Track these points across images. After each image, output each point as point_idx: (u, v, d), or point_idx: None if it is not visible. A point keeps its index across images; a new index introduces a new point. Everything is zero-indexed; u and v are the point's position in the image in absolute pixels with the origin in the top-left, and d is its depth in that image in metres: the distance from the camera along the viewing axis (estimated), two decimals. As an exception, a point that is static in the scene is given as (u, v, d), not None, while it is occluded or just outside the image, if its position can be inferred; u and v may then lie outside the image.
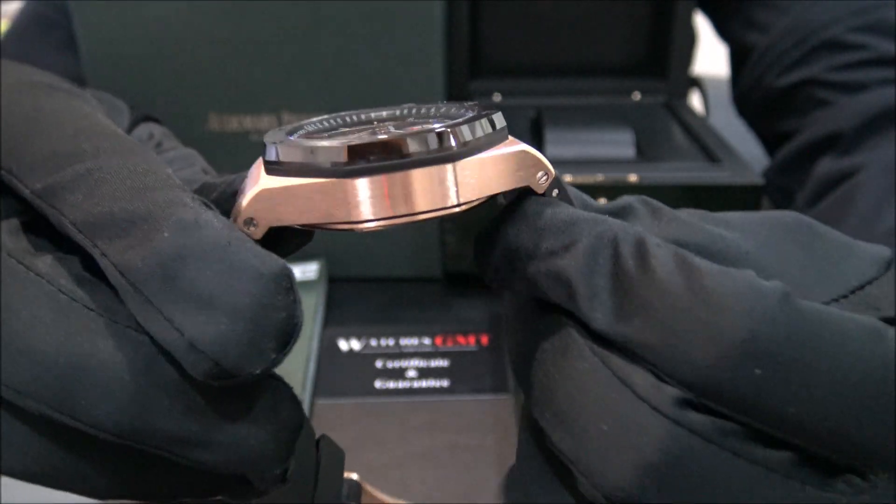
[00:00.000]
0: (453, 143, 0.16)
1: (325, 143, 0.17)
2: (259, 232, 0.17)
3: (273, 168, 0.17)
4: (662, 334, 0.15)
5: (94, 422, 0.16)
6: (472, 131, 0.17)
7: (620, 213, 0.19)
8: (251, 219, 0.17)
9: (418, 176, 0.16)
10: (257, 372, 0.16)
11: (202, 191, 0.21)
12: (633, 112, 0.54)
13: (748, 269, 0.15)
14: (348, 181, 0.16)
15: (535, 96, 0.57)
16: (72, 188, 0.17)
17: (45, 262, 0.17)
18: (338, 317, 0.46)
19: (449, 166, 0.16)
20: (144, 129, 0.26)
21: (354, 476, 0.25)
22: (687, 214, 0.19)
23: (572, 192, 0.19)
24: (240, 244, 0.16)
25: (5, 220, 0.19)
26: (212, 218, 0.16)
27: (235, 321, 0.15)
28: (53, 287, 0.17)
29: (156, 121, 0.27)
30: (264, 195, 0.17)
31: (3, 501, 0.31)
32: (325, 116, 0.21)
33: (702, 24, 0.62)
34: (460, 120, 0.17)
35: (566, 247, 0.17)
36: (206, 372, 0.16)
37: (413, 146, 0.16)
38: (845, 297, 0.17)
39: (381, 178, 0.16)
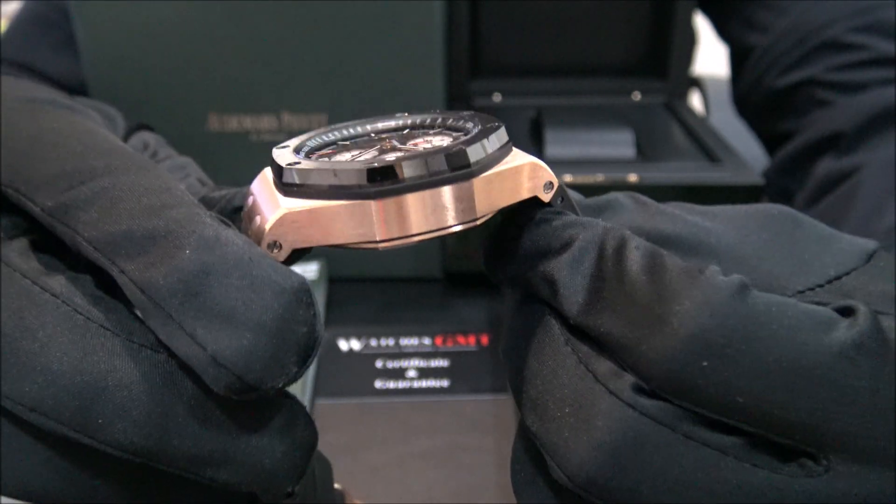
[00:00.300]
0: (473, 160, 0.17)
1: (346, 165, 0.17)
2: (283, 254, 0.17)
3: (290, 190, 0.17)
4: (623, 328, 0.16)
5: (112, 441, 0.17)
6: (487, 147, 0.17)
7: (607, 208, 0.20)
8: (275, 241, 0.17)
9: (442, 193, 0.17)
10: (279, 386, 0.16)
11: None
12: (633, 112, 0.54)
13: (714, 266, 0.16)
14: (375, 202, 0.16)
15: (535, 96, 0.57)
16: (86, 206, 0.17)
17: (59, 282, 0.17)
18: (338, 317, 0.46)
19: (470, 183, 0.17)
20: (138, 138, 0.26)
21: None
22: (673, 207, 0.20)
23: (572, 195, 0.20)
24: (260, 259, 0.16)
25: (15, 240, 0.19)
26: (231, 235, 0.16)
27: (259, 336, 0.16)
28: (69, 307, 0.17)
29: (149, 129, 0.27)
30: (289, 218, 0.17)
31: (3, 502, 0.31)
32: (323, 130, 0.21)
33: (702, 24, 0.62)
34: (473, 135, 0.18)
35: (560, 250, 0.18)
36: (229, 386, 0.16)
37: (434, 165, 0.16)
38: (821, 286, 0.18)
39: (407, 198, 0.16)
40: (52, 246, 0.19)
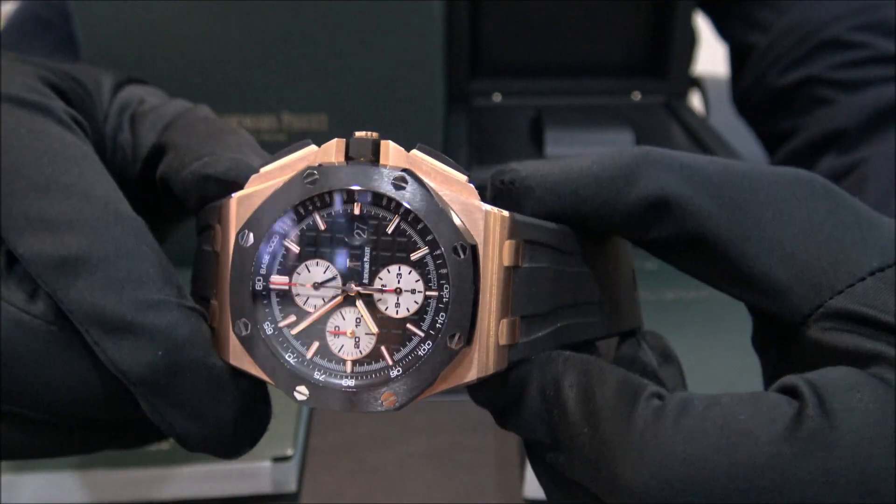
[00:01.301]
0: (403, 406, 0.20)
1: (294, 376, 0.18)
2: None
3: (245, 345, 0.19)
4: (583, 478, 0.18)
5: (112, 418, 0.20)
6: (420, 391, 0.20)
7: (650, 165, 0.20)
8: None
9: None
10: (234, 458, 0.20)
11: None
12: (633, 112, 0.54)
13: (651, 388, 0.17)
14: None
15: (535, 96, 0.57)
16: (59, 267, 0.18)
17: (33, 298, 0.19)
18: (338, 317, 0.46)
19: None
20: (130, 91, 0.27)
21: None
22: (718, 170, 0.19)
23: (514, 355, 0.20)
24: (221, 363, 0.19)
25: None
26: (199, 335, 0.19)
27: (220, 429, 0.19)
28: (53, 327, 0.18)
29: (141, 82, 0.28)
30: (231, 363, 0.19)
31: (3, 501, 0.31)
32: (292, 189, 0.18)
33: (702, 24, 0.62)
34: (420, 384, 0.20)
35: (514, 408, 0.19)
36: (192, 450, 0.19)
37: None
38: (863, 279, 0.18)
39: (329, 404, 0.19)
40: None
